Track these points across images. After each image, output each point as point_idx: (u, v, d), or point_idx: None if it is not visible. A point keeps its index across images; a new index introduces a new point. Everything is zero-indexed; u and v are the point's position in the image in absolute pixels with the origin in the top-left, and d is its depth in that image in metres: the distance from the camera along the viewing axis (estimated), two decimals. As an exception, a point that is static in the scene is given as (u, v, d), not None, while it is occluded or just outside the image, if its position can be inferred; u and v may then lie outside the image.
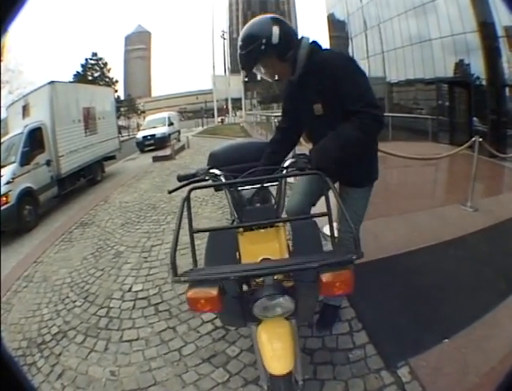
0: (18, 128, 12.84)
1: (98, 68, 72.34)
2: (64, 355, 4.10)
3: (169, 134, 28.80)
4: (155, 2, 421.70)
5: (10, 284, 6.34)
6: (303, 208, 3.63)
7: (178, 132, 34.29)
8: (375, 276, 4.56)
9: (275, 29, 2.94)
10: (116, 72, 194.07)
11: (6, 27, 1.18)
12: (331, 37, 50.90)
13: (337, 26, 47.97)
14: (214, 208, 8.42)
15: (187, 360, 3.67)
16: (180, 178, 2.77)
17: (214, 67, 63.87)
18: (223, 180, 2.76)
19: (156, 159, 19.08)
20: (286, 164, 2.73)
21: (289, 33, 3.04)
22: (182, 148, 23.32)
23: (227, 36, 69.47)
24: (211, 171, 2.80)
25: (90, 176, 16.41)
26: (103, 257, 6.64)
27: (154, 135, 28.38)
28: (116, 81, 75.38)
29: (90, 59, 72.38)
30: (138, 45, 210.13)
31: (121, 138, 32.06)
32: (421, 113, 25.70)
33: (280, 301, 2.12)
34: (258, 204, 2.85)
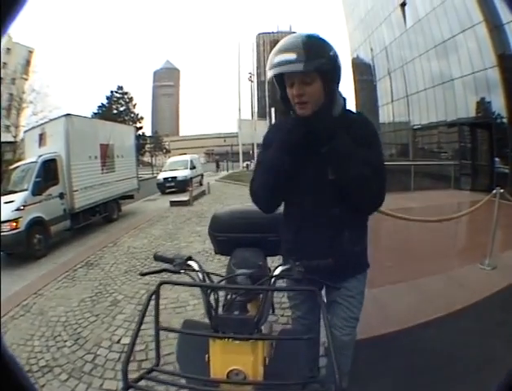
0: (33, 156, 13.10)
1: (123, 102, 73.27)
2: (47, 387, 4.22)
3: (191, 178, 28.75)
4: (184, 40, 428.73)
5: (8, 309, 6.52)
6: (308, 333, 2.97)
7: (201, 176, 34.41)
8: (376, 356, 4.24)
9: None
10: (145, 106, 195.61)
11: (7, 27, 1.17)
12: (356, 81, 51.11)
13: (362, 69, 48.16)
14: (218, 266, 7.89)
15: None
16: (157, 259, 2.55)
17: (239, 110, 63.22)
18: (200, 276, 2.38)
19: (173, 203, 18.99)
20: (277, 271, 2.30)
21: None
22: (202, 194, 23.24)
23: (254, 78, 69.25)
24: (189, 263, 2.40)
25: (105, 213, 16.43)
26: (101, 302, 6.65)
27: (175, 177, 28.52)
28: (142, 118, 76.14)
29: (116, 93, 73.58)
30: (166, 81, 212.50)
31: (145, 176, 32.02)
32: (445, 157, 25.66)
33: None
34: (237, 312, 2.33)
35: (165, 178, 28.95)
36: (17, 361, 1.33)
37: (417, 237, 9.58)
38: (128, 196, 19.39)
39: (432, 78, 28.67)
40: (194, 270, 2.37)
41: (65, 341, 5.29)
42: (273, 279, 2.29)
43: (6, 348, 1.33)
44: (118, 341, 5.16)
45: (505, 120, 19.77)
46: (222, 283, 2.48)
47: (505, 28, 18.99)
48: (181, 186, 26.57)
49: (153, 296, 2.10)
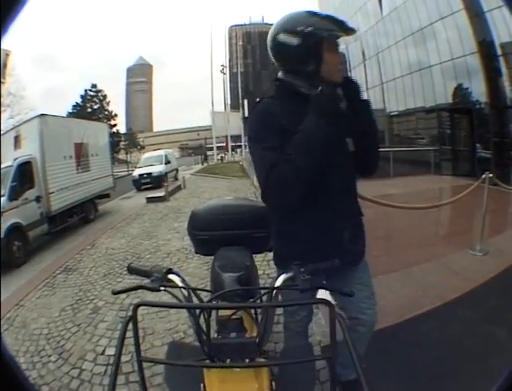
0: (9, 159, 12.68)
1: (97, 101, 72.56)
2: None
3: (166, 173, 28.75)
4: (155, 34, 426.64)
5: (-6, 323, 6.26)
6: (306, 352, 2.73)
7: (176, 170, 34.44)
8: (372, 354, 3.71)
9: None
10: (119, 104, 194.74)
11: (7, 27, 1.17)
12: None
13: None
14: (199, 263, 7.75)
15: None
16: (131, 271, 2.13)
17: (212, 103, 63.57)
18: (185, 293, 2.00)
19: (149, 200, 18.83)
20: (279, 282, 1.94)
21: None
22: (178, 188, 23.08)
23: (226, 70, 69.33)
24: (169, 277, 2.00)
25: (82, 214, 16.19)
26: (81, 311, 6.40)
27: (150, 173, 28.32)
28: (115, 115, 75.49)
29: (90, 91, 72.79)
30: (139, 77, 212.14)
31: (120, 174, 31.72)
32: (422, 143, 25.98)
33: None
34: (234, 334, 1.88)
35: (140, 175, 28.83)
36: (17, 361, 1.43)
37: (402, 224, 9.45)
38: (104, 195, 19.16)
39: (409, 65, 28.84)
40: (177, 286, 1.99)
41: (49, 356, 5.05)
42: (275, 292, 1.94)
43: (6, 348, 1.32)
44: (102, 353, 4.93)
45: (485, 106, 20.19)
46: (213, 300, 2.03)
47: (486, 15, 19.24)
48: (156, 181, 26.44)
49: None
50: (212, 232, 3.36)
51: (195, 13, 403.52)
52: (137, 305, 1.72)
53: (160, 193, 19.65)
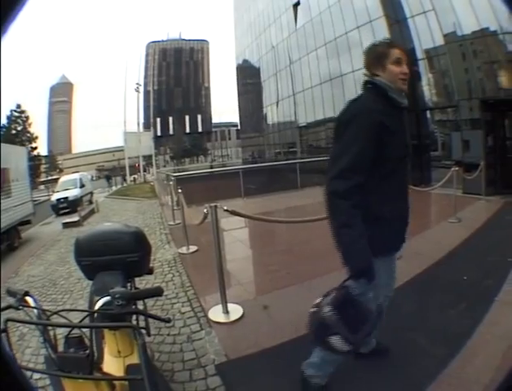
0: None
1: (21, 122, 70.52)
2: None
3: (81, 197, 28.86)
4: (76, 51, 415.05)
5: None
6: None
7: (91, 193, 34.25)
8: (267, 370, 4.15)
9: None
10: (42, 124, 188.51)
11: (7, 27, 1.23)
12: (244, 84, 52.29)
13: (248, 72, 49.01)
14: None
15: None
16: (7, 293, 2.52)
17: (125, 122, 62.21)
18: (36, 313, 2.38)
19: (65, 225, 18.75)
20: (98, 305, 2.36)
21: None
22: (91, 212, 23.06)
23: (141, 89, 68.39)
24: (26, 299, 2.42)
25: (8, 242, 15.87)
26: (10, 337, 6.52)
27: (67, 198, 28.08)
28: (36, 138, 72.96)
29: (15, 112, 70.69)
30: (61, 97, 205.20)
31: (42, 199, 31.03)
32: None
33: None
34: (72, 349, 2.18)
35: (57, 199, 28.59)
36: (16, 361, 1.59)
37: (301, 238, 9.40)
38: (25, 222, 18.80)
39: (320, 76, 29.56)
40: (30, 307, 2.36)
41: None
42: (97, 315, 2.34)
43: (5, 348, 1.57)
44: (31, 377, 5.02)
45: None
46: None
47: (408, 21, 20.23)
48: (73, 206, 26.29)
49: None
50: (92, 258, 3.58)
51: (115, 29, 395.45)
52: (6, 320, 2.11)
53: (74, 218, 19.69)
